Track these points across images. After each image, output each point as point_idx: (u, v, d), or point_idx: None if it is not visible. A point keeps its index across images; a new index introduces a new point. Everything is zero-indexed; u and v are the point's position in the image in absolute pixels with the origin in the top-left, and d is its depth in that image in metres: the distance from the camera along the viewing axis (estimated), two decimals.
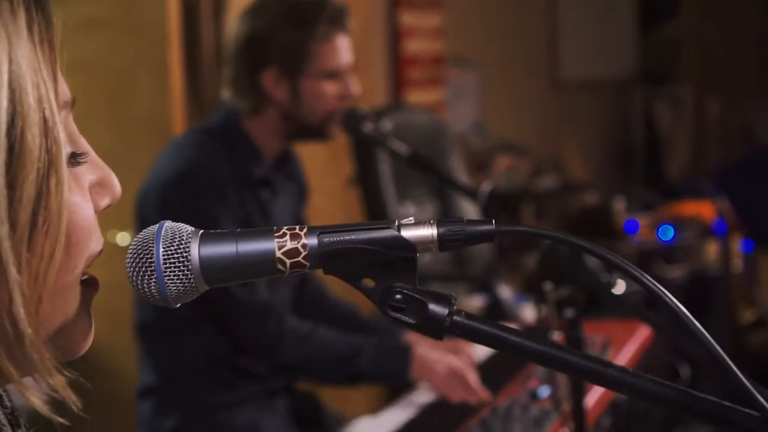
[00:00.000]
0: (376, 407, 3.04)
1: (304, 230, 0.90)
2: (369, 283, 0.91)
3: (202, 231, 0.91)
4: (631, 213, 4.53)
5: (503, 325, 0.89)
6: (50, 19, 0.82)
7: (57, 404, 0.81)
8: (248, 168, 2.47)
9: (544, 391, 2.33)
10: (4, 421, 0.95)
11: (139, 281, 0.89)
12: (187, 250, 0.89)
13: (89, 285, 0.87)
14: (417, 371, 2.41)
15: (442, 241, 0.89)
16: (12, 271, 0.76)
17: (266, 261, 0.89)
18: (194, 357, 2.48)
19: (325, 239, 0.89)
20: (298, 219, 2.67)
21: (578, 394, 1.97)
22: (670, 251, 4.18)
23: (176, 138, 2.73)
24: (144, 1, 3.24)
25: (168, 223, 0.90)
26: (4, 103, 0.76)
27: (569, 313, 1.96)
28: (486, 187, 2.22)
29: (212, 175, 2.40)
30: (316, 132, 2.54)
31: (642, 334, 2.77)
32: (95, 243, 0.86)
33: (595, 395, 2.30)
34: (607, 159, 6.90)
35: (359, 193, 3.88)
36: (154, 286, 0.88)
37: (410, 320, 0.90)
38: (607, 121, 6.95)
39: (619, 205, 4.39)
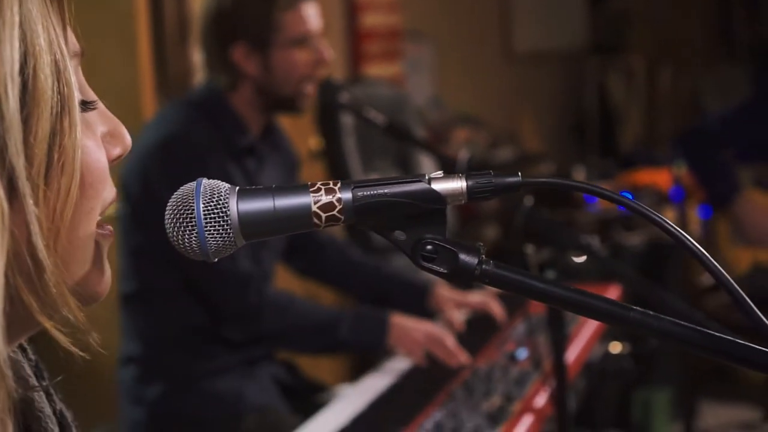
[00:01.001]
0: (351, 375, 3.08)
1: (338, 185, 0.93)
2: (400, 235, 0.95)
3: (238, 188, 0.94)
4: (590, 182, 4.59)
5: (530, 273, 0.93)
6: None
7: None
8: (233, 138, 2.49)
9: (522, 353, 2.38)
10: (30, 373, 0.97)
11: (179, 237, 0.92)
12: (226, 205, 0.92)
13: (105, 234, 0.90)
14: (395, 338, 2.45)
15: (470, 193, 0.93)
16: (29, 203, 0.79)
17: (303, 215, 0.92)
18: (176, 327, 2.50)
19: (359, 193, 0.92)
20: None
21: (559, 352, 2.02)
22: (629, 219, 4.25)
23: (161, 109, 2.74)
24: None
25: (205, 180, 0.93)
26: (16, 43, 0.79)
27: (551, 274, 2.02)
28: (464, 155, 2.26)
29: (192, 145, 2.41)
30: (290, 103, 2.55)
31: (610, 296, 2.83)
32: (109, 190, 0.89)
33: (572, 355, 2.35)
34: (561, 130, 6.97)
35: (324, 166, 3.90)
36: (195, 241, 0.91)
37: (442, 269, 0.93)
38: (560, 92, 7.01)
39: (579, 175, 4.44)
